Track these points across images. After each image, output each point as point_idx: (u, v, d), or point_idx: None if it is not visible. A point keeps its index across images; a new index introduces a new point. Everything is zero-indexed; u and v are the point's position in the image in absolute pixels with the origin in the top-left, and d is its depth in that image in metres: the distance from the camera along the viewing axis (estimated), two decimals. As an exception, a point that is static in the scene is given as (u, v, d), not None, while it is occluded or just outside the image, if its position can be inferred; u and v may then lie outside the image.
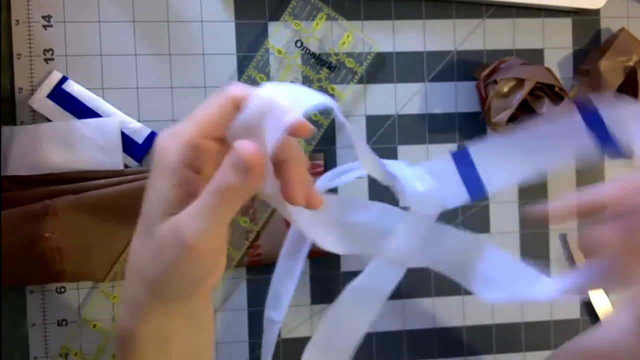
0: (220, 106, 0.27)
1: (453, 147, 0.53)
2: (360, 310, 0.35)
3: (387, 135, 0.52)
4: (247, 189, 0.25)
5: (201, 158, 0.27)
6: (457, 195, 0.32)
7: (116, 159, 0.48)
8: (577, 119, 0.29)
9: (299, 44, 0.51)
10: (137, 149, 0.49)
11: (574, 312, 0.55)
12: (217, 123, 0.27)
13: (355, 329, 0.35)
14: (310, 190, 0.29)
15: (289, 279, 0.39)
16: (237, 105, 0.27)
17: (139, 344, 0.29)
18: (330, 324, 0.36)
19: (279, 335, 0.51)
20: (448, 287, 0.53)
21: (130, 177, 0.48)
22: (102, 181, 0.47)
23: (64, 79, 0.48)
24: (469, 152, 0.31)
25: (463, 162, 0.31)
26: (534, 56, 0.53)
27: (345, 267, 0.52)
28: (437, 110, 0.53)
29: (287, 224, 0.49)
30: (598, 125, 0.28)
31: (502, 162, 0.30)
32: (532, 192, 0.53)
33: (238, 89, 0.27)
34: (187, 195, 0.26)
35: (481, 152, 0.31)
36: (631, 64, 0.50)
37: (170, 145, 0.26)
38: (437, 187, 0.32)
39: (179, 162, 0.26)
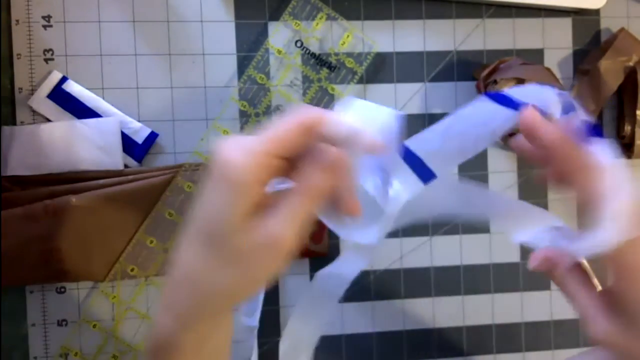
0: (293, 129, 0.28)
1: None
2: (326, 295, 0.37)
3: (387, 135, 0.52)
4: (331, 189, 0.28)
5: (270, 174, 0.28)
6: (412, 183, 0.34)
7: (116, 159, 0.48)
8: (487, 99, 0.32)
9: (299, 44, 0.51)
10: (137, 149, 0.49)
11: (574, 312, 0.54)
12: (288, 145, 0.28)
13: (321, 313, 0.37)
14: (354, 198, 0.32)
15: None
16: (308, 130, 0.28)
17: (180, 351, 0.29)
18: (301, 312, 0.37)
19: (279, 334, 0.51)
20: (448, 287, 0.53)
21: (130, 177, 0.48)
22: (102, 181, 0.47)
23: (64, 79, 0.48)
24: (407, 146, 0.34)
25: (406, 155, 0.34)
26: (534, 56, 0.53)
27: (345, 267, 0.52)
28: (437, 110, 0.53)
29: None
30: (504, 99, 0.32)
31: (439, 148, 0.34)
32: (532, 192, 0.54)
33: (312, 113, 0.28)
34: (257, 207, 0.28)
35: (418, 142, 0.34)
36: (631, 64, 0.50)
37: (240, 159, 0.27)
38: (397, 185, 0.34)
39: (255, 179, 0.27)
